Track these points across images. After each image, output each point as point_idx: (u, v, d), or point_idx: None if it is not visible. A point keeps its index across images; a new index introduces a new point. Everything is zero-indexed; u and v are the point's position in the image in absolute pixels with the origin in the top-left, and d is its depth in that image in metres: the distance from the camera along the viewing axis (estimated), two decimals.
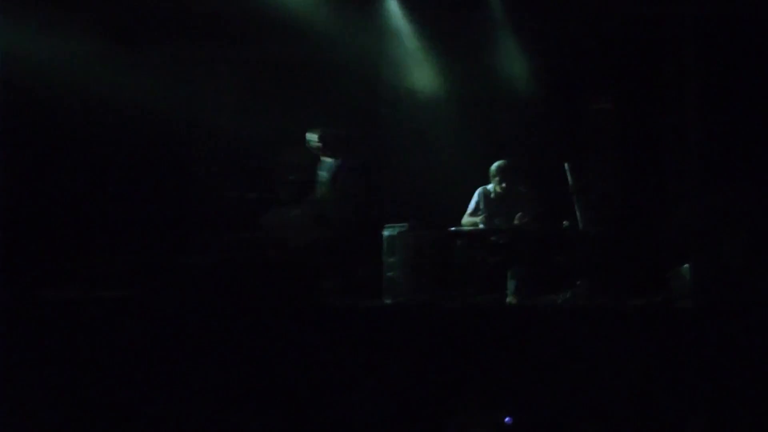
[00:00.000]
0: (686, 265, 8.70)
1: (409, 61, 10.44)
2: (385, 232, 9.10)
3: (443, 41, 10.37)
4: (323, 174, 9.56)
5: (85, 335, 7.34)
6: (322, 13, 9.74)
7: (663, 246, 10.12)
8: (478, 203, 9.28)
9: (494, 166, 9.22)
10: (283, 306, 8.09)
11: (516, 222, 8.93)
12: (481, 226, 9.09)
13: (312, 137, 9.54)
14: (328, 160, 9.52)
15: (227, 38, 10.14)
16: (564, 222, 8.85)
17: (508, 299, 8.75)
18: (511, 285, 8.79)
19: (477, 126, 10.38)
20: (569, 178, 8.90)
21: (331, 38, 9.86)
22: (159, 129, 9.90)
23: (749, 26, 9.92)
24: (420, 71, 10.48)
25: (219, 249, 9.01)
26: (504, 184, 9.15)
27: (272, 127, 10.07)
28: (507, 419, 7.18)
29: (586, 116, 10.72)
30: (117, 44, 9.68)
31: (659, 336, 7.48)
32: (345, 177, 9.45)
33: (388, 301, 8.86)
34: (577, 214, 8.78)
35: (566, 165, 8.93)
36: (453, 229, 8.99)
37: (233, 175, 9.92)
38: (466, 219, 9.27)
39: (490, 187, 9.30)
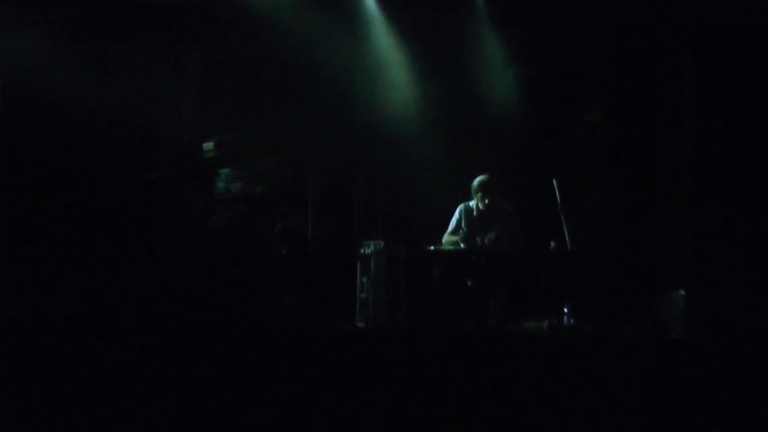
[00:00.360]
0: (680, 292, 8.77)
1: (387, 71, 10.50)
2: (359, 250, 9.14)
3: (423, 49, 10.41)
4: (220, 186, 9.47)
5: (33, 352, 7.32)
6: (295, 15, 9.83)
7: (654, 270, 10.29)
8: (459, 221, 9.27)
9: (476, 181, 9.22)
10: (245, 326, 8.11)
11: (486, 241, 8.95)
12: (461, 245, 9.06)
13: (208, 146, 9.51)
14: (225, 170, 9.51)
15: (187, 36, 10.16)
16: (551, 242, 8.84)
17: (490, 324, 8.79)
18: (492, 309, 8.84)
19: (459, 138, 10.40)
20: (557, 195, 8.88)
21: (304, 42, 9.91)
22: (109, 131, 9.89)
23: (750, 35, 10.03)
24: (399, 80, 10.51)
25: (182, 260, 9.08)
26: (486, 201, 9.14)
27: (236, 133, 10.08)
28: None
29: (574, 129, 10.76)
30: (61, 42, 9.69)
31: (648, 367, 7.50)
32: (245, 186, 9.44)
33: (360, 324, 8.92)
34: (565, 233, 8.76)
35: (554, 181, 8.92)
36: (432, 248, 8.99)
37: (198, 186, 9.89)
38: (447, 237, 9.25)
39: (472, 203, 9.30)
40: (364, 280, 9.00)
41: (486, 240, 8.92)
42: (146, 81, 9.92)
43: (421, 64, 10.46)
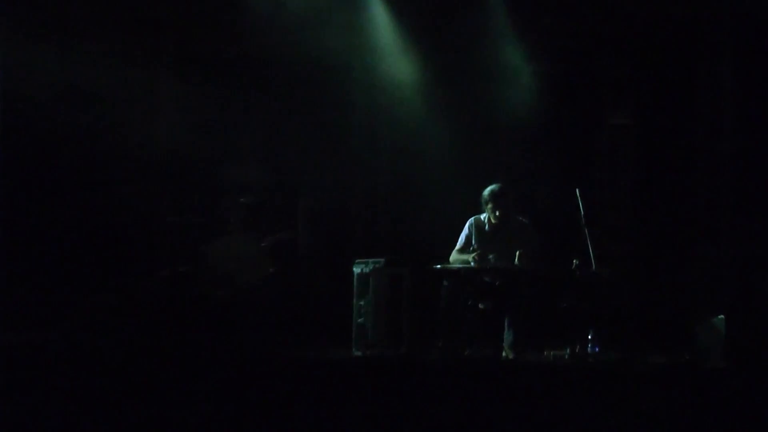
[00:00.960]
0: (719, 317, 8.70)
1: (389, 68, 10.54)
2: (356, 269, 9.09)
3: (429, 43, 10.46)
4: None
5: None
6: (286, 8, 9.88)
7: (691, 293, 10.24)
8: (469, 236, 9.24)
9: (487, 191, 9.17)
10: (229, 356, 8.17)
11: (516, 260, 8.91)
12: (472, 263, 9.00)
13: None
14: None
15: (165, 30, 10.27)
16: (573, 261, 8.78)
17: (505, 354, 8.76)
18: (508, 336, 8.81)
19: (469, 144, 10.44)
20: (580, 207, 8.86)
21: (296, 38, 9.93)
22: (78, 137, 9.91)
23: None
24: (402, 79, 10.56)
25: (152, 285, 9.11)
26: (498, 213, 9.11)
27: (221, 140, 10.15)
28: None
29: (600, 133, 10.78)
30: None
31: (684, 401, 7.53)
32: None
33: (357, 353, 8.85)
34: (590, 251, 8.74)
35: (577, 192, 8.89)
36: (439, 266, 8.95)
37: (172, 197, 9.92)
38: (455, 255, 9.22)
39: (483, 216, 9.27)
40: (362, 302, 8.98)
41: (516, 260, 8.91)
42: (119, 79, 10.00)
43: (427, 60, 10.52)
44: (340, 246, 10.34)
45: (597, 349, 8.78)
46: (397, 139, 10.57)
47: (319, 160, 10.40)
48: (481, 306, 8.95)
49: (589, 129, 10.72)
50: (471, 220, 9.31)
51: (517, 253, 8.91)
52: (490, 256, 9.07)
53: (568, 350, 8.73)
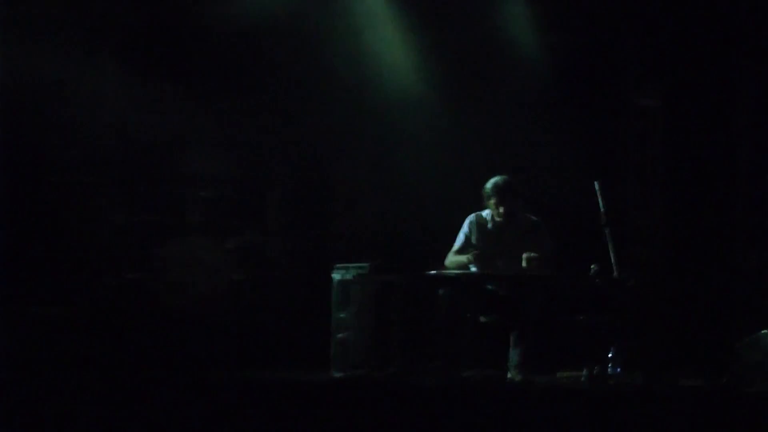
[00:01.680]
0: (764, 332, 8.71)
1: (375, 38, 10.53)
2: (336, 276, 9.11)
3: (423, 9, 10.47)
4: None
5: None
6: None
7: (732, 305, 10.25)
8: (468, 236, 9.26)
9: (491, 183, 9.18)
10: (186, 378, 8.17)
11: (524, 264, 8.89)
12: (472, 268, 9.00)
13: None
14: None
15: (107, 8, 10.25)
16: (592, 266, 8.79)
17: (510, 376, 8.75)
18: (514, 355, 8.79)
19: (470, 128, 10.47)
20: (600, 203, 8.82)
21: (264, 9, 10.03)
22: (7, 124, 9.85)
23: None
24: (391, 51, 10.57)
25: (96, 294, 9.12)
26: (503, 209, 9.12)
27: (176, 124, 10.10)
28: None
29: (625, 117, 10.79)
30: None
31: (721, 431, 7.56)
32: None
33: (337, 375, 8.87)
34: (611, 254, 8.69)
35: (596, 184, 8.86)
36: (433, 272, 8.94)
37: (117, 191, 9.86)
38: (452, 258, 9.22)
39: (485, 213, 9.29)
40: (343, 315, 9.01)
41: (524, 262, 8.92)
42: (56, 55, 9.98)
43: (420, 29, 10.51)
44: (317, 248, 10.36)
45: (619, 371, 8.82)
46: (385, 123, 10.60)
47: (293, 146, 10.42)
48: (483, 319, 8.95)
49: (611, 111, 10.74)
50: (471, 216, 9.32)
51: (525, 256, 8.89)
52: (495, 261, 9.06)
53: (585, 372, 8.72)
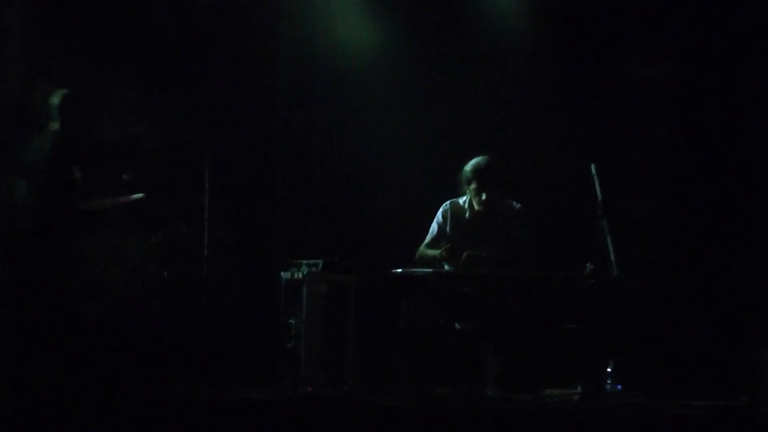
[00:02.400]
0: None
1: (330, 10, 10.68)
2: (284, 275, 9.13)
3: None
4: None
5: None
6: None
7: (748, 312, 10.23)
8: (442, 226, 9.34)
9: (471, 165, 9.26)
10: (104, 395, 8.14)
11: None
12: (446, 266, 9.05)
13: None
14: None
15: None
16: (586, 264, 8.79)
17: (489, 393, 8.74)
18: (493, 369, 8.81)
19: (446, 102, 10.52)
20: (596, 188, 8.85)
21: None
22: None
23: None
24: (353, 12, 10.66)
25: None
26: (485, 196, 9.14)
27: (92, 90, 9.78)
28: None
29: (624, 90, 10.82)
30: None
31: None
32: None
33: (284, 392, 8.73)
34: (609, 250, 8.69)
35: (592, 168, 8.89)
36: (398, 271, 8.91)
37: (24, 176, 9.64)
38: (424, 251, 9.29)
39: (463, 200, 9.36)
40: (292, 320, 9.03)
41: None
42: None
43: None
44: (262, 242, 10.36)
45: (619, 388, 8.72)
46: (342, 96, 10.66)
47: (234, 123, 10.38)
48: (457, 326, 8.95)
49: (609, 83, 10.78)
50: (446, 204, 9.37)
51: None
52: (465, 254, 9.01)
53: (578, 389, 8.68)
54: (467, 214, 9.25)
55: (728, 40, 10.55)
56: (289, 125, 10.64)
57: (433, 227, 9.27)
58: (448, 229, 9.24)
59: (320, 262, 9.00)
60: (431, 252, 9.11)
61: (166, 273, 9.39)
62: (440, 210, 9.30)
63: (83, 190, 9.05)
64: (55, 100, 9.16)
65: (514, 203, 9.26)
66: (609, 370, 8.67)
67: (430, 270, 8.94)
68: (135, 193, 9.36)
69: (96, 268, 9.22)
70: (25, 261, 9.03)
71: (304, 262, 9.03)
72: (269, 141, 10.57)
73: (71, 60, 10.04)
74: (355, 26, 10.65)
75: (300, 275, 9.02)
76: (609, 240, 8.69)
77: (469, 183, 9.18)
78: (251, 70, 10.52)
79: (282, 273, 9.12)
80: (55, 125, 9.09)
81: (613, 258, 8.66)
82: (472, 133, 10.18)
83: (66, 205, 9.02)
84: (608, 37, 10.77)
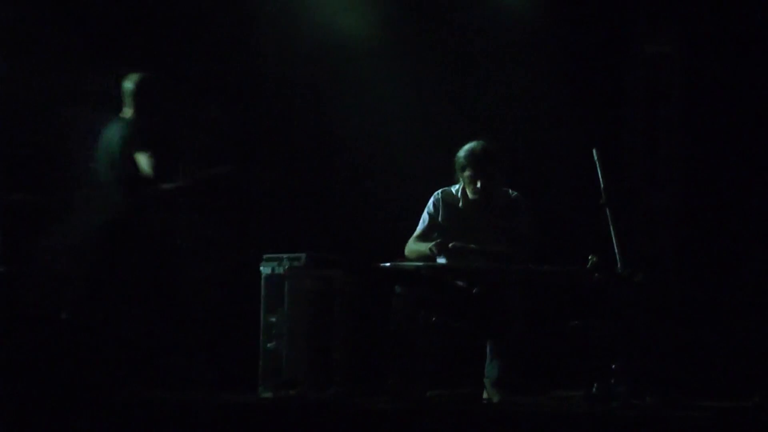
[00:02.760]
0: None
1: None
2: (265, 269, 9.13)
3: None
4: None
5: None
6: None
7: (763, 307, 10.27)
8: (434, 216, 9.34)
9: (465, 151, 9.24)
10: (73, 398, 8.17)
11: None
12: (440, 260, 9.02)
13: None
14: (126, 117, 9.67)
15: None
16: (590, 258, 8.74)
17: (487, 395, 8.78)
18: (492, 369, 8.85)
19: (437, 85, 10.56)
20: (600, 176, 8.84)
21: None
22: None
23: None
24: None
25: None
26: (481, 183, 9.16)
27: (63, 77, 10.12)
28: None
29: (629, 68, 10.85)
30: None
31: None
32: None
33: (266, 395, 8.86)
34: (614, 242, 8.70)
35: (594, 153, 8.86)
36: (388, 264, 8.95)
37: None
38: (413, 246, 9.28)
39: (456, 188, 9.37)
40: (274, 319, 9.01)
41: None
42: None
43: None
44: (241, 234, 10.35)
45: (625, 389, 8.65)
46: (326, 80, 10.70)
47: (209, 109, 10.42)
48: (452, 324, 8.96)
49: (613, 61, 10.81)
50: (438, 193, 9.38)
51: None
52: (451, 244, 8.98)
53: (582, 391, 8.67)
54: (460, 204, 9.24)
55: (738, 12, 10.56)
56: (269, 111, 10.64)
57: (424, 218, 9.27)
58: (439, 219, 9.23)
59: (303, 256, 8.96)
60: (423, 245, 9.08)
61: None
62: (431, 199, 9.30)
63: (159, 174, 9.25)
64: (129, 85, 9.40)
65: (511, 192, 9.24)
66: (614, 369, 8.62)
67: (422, 264, 8.91)
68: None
69: (65, 265, 9.35)
70: (126, 251, 9.30)
71: (286, 256, 8.99)
72: (247, 128, 10.58)
73: (42, 48, 10.14)
74: (340, 4, 10.66)
75: (282, 270, 8.97)
76: (613, 231, 8.67)
77: (462, 170, 9.15)
78: (230, 54, 10.54)
79: (262, 268, 9.08)
80: (129, 111, 9.38)
81: (617, 250, 8.64)
82: (466, 117, 10.22)
83: (153, 189, 9.23)
84: (611, 13, 10.81)
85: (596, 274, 8.68)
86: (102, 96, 9.96)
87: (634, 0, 10.82)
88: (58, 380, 8.61)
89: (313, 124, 10.71)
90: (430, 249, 8.97)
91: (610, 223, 8.71)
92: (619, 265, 8.66)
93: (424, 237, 9.17)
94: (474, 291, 8.89)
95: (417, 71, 10.59)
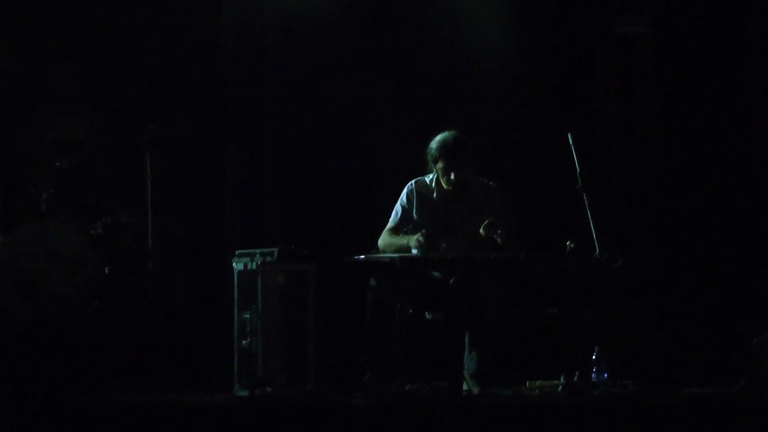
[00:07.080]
0: None
1: None
2: (237, 265, 9.10)
3: None
4: None
5: None
6: None
7: (746, 294, 10.32)
8: (407, 208, 9.34)
9: (437, 142, 9.23)
10: (40, 405, 8.09)
11: (482, 232, 8.92)
12: (414, 251, 9.02)
13: None
14: None
15: None
16: (567, 243, 8.76)
17: (466, 387, 8.77)
18: (470, 361, 8.87)
19: (406, 71, 10.55)
20: (575, 161, 8.85)
21: None
22: None
23: None
24: None
25: None
26: (455, 175, 9.14)
27: (25, 72, 10.07)
28: None
29: (602, 50, 10.82)
30: None
31: None
32: None
33: (241, 394, 8.80)
34: (591, 228, 8.71)
35: (569, 137, 8.89)
36: (362, 257, 8.97)
37: None
38: (387, 238, 9.33)
39: (430, 179, 9.36)
40: (247, 315, 8.93)
41: (482, 230, 8.90)
42: None
43: None
44: (211, 230, 10.36)
45: (606, 378, 8.76)
46: (296, 68, 10.68)
47: (175, 101, 10.39)
48: (428, 316, 8.97)
49: (586, 42, 10.81)
50: (411, 184, 9.39)
51: (487, 222, 8.86)
52: (442, 240, 9.08)
53: (561, 379, 8.71)
54: (435, 194, 9.24)
55: None
56: (236, 101, 10.62)
57: (397, 209, 9.27)
58: (413, 212, 9.23)
59: (275, 250, 8.85)
60: (403, 238, 9.10)
61: (107, 269, 9.38)
62: (404, 190, 9.30)
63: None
64: None
65: (485, 180, 9.24)
66: (594, 358, 8.71)
67: (397, 255, 8.90)
68: (71, 181, 9.43)
69: (28, 265, 9.30)
70: None
71: (258, 251, 8.91)
72: (216, 119, 10.54)
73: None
74: None
75: (254, 266, 8.87)
76: (590, 216, 8.69)
77: (435, 162, 9.16)
78: (193, 43, 10.50)
79: (234, 264, 9.03)
80: None
81: (595, 236, 8.66)
82: (438, 105, 10.20)
83: None
84: None
85: (574, 261, 8.67)
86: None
87: None
88: (26, 382, 8.62)
89: (283, 118, 10.64)
90: (417, 240, 8.97)
91: (587, 207, 8.72)
92: (597, 251, 8.64)
93: (397, 229, 9.20)
94: (451, 281, 8.84)
95: (389, 62, 10.58)
